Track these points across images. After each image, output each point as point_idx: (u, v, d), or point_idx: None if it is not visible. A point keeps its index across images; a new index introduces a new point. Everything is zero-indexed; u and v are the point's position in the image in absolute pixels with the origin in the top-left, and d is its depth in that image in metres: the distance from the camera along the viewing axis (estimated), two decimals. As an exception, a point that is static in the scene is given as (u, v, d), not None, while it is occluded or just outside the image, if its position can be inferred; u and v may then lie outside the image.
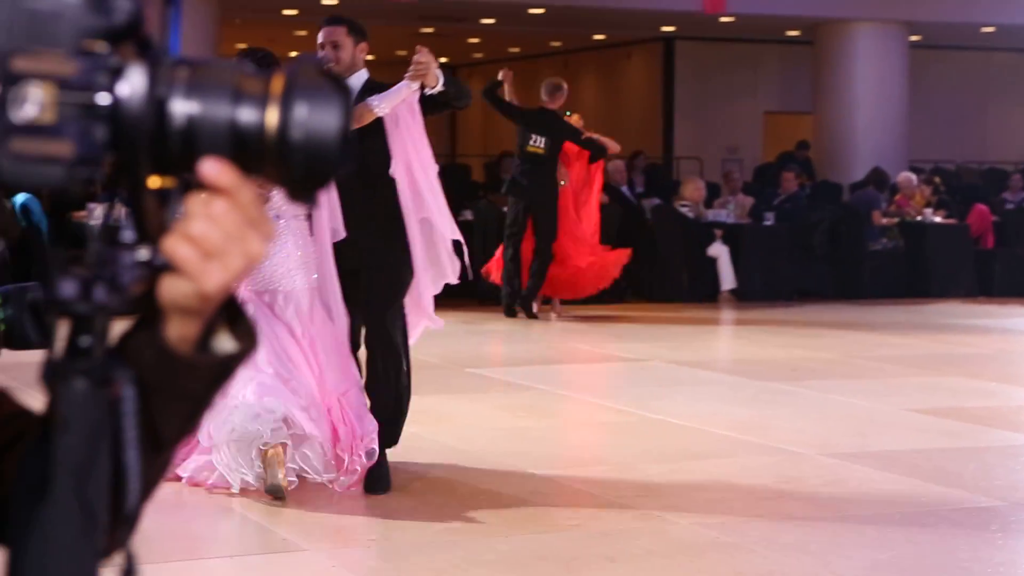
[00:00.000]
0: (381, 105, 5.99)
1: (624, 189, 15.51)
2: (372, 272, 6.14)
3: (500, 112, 12.43)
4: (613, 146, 12.64)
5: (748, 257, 14.40)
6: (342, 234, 6.06)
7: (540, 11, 18.59)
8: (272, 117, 1.05)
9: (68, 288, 1.09)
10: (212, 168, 1.06)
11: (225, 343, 1.18)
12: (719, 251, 14.37)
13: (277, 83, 1.06)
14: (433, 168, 6.25)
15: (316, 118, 1.05)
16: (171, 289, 1.11)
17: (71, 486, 1.10)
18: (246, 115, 1.06)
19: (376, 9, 17.80)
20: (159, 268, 1.10)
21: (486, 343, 11.22)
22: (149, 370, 1.15)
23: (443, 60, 25.52)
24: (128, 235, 1.10)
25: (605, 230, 14.34)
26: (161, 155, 1.07)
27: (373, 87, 6.16)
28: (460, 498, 5.92)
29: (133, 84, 1.05)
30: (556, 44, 24.11)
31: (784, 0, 18.43)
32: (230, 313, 1.17)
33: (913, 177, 16.46)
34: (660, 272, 14.30)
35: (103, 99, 1.04)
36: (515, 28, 21.32)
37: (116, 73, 1.05)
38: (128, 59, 1.06)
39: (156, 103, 1.05)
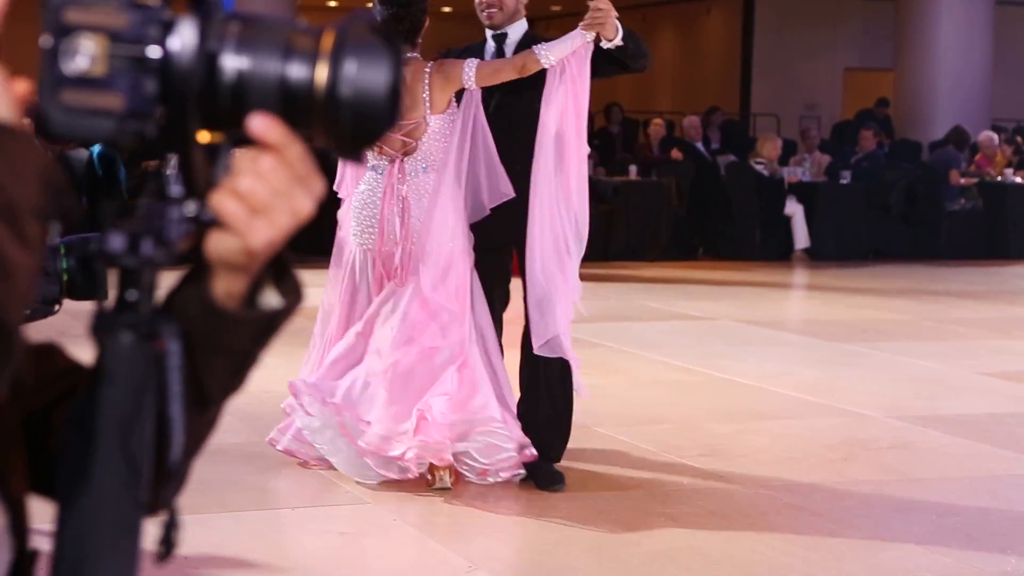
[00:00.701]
0: (549, 55, 5.30)
1: (699, 145, 15.40)
2: (518, 255, 5.52)
3: None
4: None
5: (823, 216, 14.26)
6: (511, 194, 5.40)
7: (618, -36, 18.44)
8: (321, 73, 1.05)
9: (116, 242, 1.09)
10: (261, 123, 1.06)
11: (271, 299, 1.18)
12: (793, 209, 14.24)
13: (327, 39, 1.06)
14: (584, 141, 5.47)
15: (365, 74, 1.05)
16: (218, 245, 1.11)
17: (115, 439, 1.10)
18: (296, 71, 1.05)
19: (453, -40, 17.74)
20: (206, 223, 1.10)
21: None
22: (194, 324, 1.15)
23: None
24: (176, 190, 1.10)
25: (678, 185, 14.24)
26: (210, 110, 1.07)
27: (534, 41, 5.49)
28: (524, 452, 5.92)
29: (184, 38, 1.04)
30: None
31: (867, -45, 18.17)
32: (277, 269, 1.17)
33: (994, 136, 16.20)
34: (733, 230, 14.20)
35: (154, 52, 1.04)
36: (593, -19, 21.17)
37: (167, 27, 1.04)
38: (180, 13, 1.06)
39: (207, 57, 1.05)
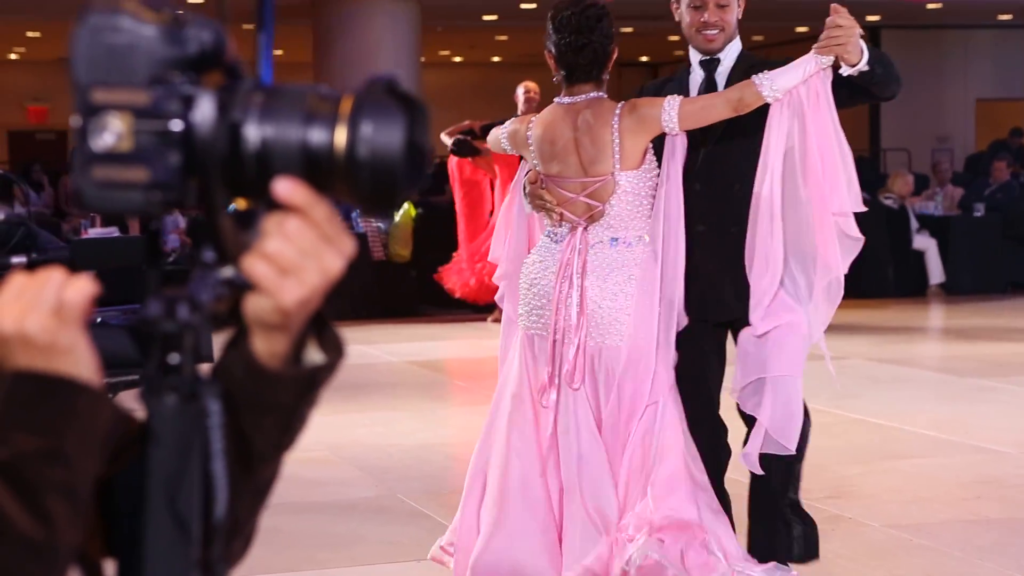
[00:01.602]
0: (774, 84, 4.09)
1: (827, 183, 15.25)
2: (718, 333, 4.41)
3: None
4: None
5: (957, 250, 13.99)
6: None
7: (739, 5, 18.40)
8: (341, 136, 1.09)
9: (154, 308, 1.14)
10: (285, 187, 1.11)
11: (312, 355, 1.22)
12: (927, 244, 14.01)
13: (346, 103, 1.10)
14: (842, 193, 4.14)
15: (380, 135, 1.09)
16: (253, 306, 1.16)
17: (163, 498, 1.15)
18: (317, 135, 1.10)
19: (574, 10, 17.84)
20: (239, 286, 1.14)
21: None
22: (240, 385, 1.20)
23: (643, 59, 25.11)
24: (209, 255, 1.15)
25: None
26: (237, 178, 1.11)
27: (750, 64, 4.31)
28: (648, 499, 5.90)
29: (203, 111, 1.10)
30: (758, 38, 23.80)
31: (994, -17, 17.88)
32: (317, 326, 1.21)
33: None
34: (865, 267, 13.97)
35: (176, 125, 1.09)
36: (715, 23, 21.13)
37: (189, 101, 1.09)
38: (207, 87, 1.11)
39: (231, 128, 1.10)
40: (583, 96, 4.31)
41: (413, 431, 7.49)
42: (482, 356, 10.54)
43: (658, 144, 4.27)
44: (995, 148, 18.29)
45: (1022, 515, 5.62)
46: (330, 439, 7.15)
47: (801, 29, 22.60)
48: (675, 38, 25.75)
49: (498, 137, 4.52)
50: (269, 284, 1.13)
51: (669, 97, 4.21)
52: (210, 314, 1.14)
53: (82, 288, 1.13)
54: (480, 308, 12.91)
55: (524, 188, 4.46)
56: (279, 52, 23.85)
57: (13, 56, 23.89)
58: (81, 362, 1.14)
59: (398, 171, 1.10)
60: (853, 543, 5.27)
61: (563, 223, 4.33)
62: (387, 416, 7.87)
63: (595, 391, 4.25)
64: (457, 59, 26.19)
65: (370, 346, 10.83)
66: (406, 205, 13.39)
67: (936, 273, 14.00)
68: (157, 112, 1.08)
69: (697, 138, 4.29)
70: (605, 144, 4.23)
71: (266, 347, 1.19)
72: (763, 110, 4.14)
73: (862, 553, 5.15)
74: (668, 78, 4.55)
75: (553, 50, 4.32)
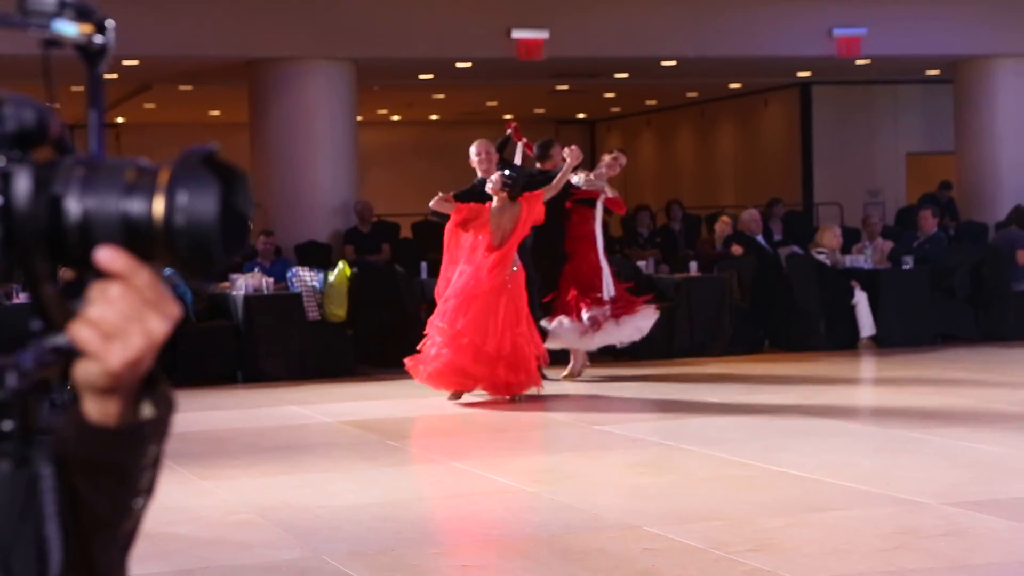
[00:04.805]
0: None
1: (759, 238, 15.41)
2: None
3: None
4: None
5: (887, 302, 14.16)
6: None
7: (672, 63, 18.61)
8: (159, 206, 1.14)
9: None
10: (105, 255, 1.15)
11: (144, 411, 1.26)
12: (858, 298, 14.17)
13: (164, 175, 1.15)
14: None
15: (196, 203, 1.14)
16: (82, 371, 1.19)
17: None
18: (136, 206, 1.15)
19: (509, 69, 18.02)
20: (66, 352, 1.18)
21: (616, 399, 11.21)
22: (71, 446, 1.23)
23: (580, 116, 25.37)
24: (36, 324, 1.19)
25: (740, 279, 14.24)
26: (61, 248, 1.16)
27: None
28: (569, 558, 5.93)
29: (21, 185, 1.14)
30: (692, 95, 24.11)
31: (921, 39, 18.16)
32: (151, 385, 1.25)
33: (1059, 214, 16.03)
34: (797, 321, 14.14)
35: None
36: (650, 81, 21.38)
37: (7, 177, 1.14)
38: (28, 163, 1.16)
39: (52, 201, 1.15)
40: None
41: (342, 492, 7.49)
42: (415, 415, 10.55)
43: None
44: (924, 200, 18.56)
45: (938, 564, 5.70)
46: (259, 501, 7.14)
47: (734, 85, 22.90)
48: (611, 95, 26.11)
49: None
50: (94, 348, 1.17)
51: None
52: (33, 381, 1.18)
53: None
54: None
55: None
56: (216, 112, 23.85)
57: None
58: None
59: (214, 237, 1.14)
60: (771, 596, 5.32)
61: None
62: (318, 477, 7.86)
63: None
64: (395, 118, 26.30)
65: (305, 407, 10.81)
66: (341, 264, 13.38)
67: (867, 326, 14.15)
68: None
69: None
70: None
71: (98, 410, 1.22)
72: None
73: (780, 605, 5.20)
74: None
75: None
